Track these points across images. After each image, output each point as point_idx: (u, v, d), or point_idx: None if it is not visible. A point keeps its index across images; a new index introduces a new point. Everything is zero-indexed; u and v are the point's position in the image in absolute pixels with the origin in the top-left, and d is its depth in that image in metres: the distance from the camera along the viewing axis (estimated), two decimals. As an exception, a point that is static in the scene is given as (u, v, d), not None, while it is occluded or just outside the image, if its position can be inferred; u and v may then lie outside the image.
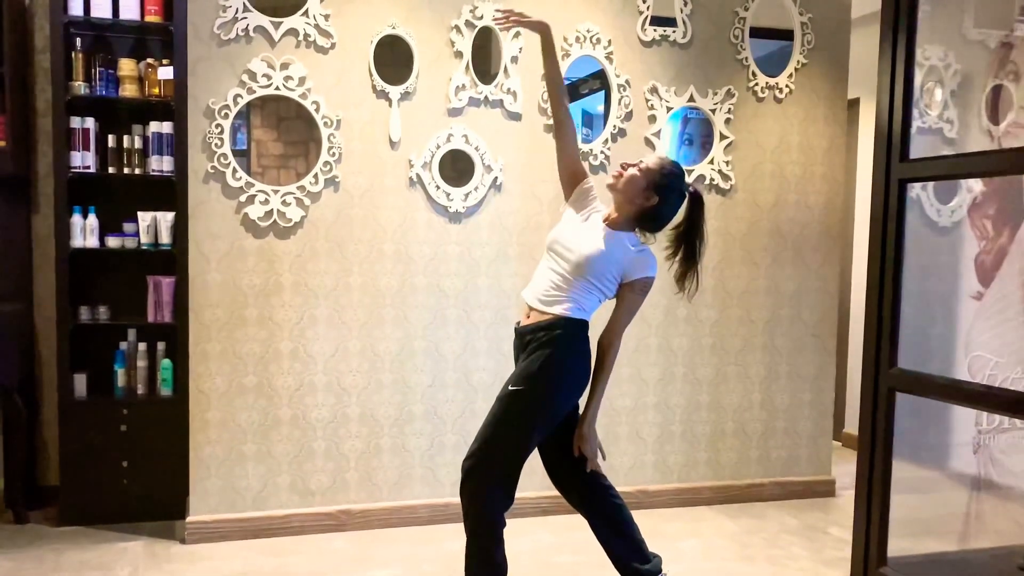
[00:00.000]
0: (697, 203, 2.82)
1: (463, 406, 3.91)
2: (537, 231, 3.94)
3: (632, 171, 2.74)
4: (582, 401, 2.84)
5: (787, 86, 4.28)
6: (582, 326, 2.75)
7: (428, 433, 3.88)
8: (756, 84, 4.23)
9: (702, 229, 2.82)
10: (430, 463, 3.89)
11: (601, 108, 5.15)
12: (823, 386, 4.46)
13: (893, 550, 3.20)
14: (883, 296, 3.21)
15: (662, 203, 2.75)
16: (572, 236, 2.78)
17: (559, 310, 2.73)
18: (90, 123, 3.72)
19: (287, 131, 5.51)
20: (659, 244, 2.85)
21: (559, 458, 2.86)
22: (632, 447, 4.18)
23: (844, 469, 4.71)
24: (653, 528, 3.86)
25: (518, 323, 2.86)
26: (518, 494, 2.78)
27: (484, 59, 4.14)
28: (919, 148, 3.18)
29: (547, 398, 2.70)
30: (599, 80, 4.90)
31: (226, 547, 3.56)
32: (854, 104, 5.26)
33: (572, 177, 2.91)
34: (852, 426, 5.43)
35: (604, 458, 2.87)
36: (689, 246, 2.80)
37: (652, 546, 2.96)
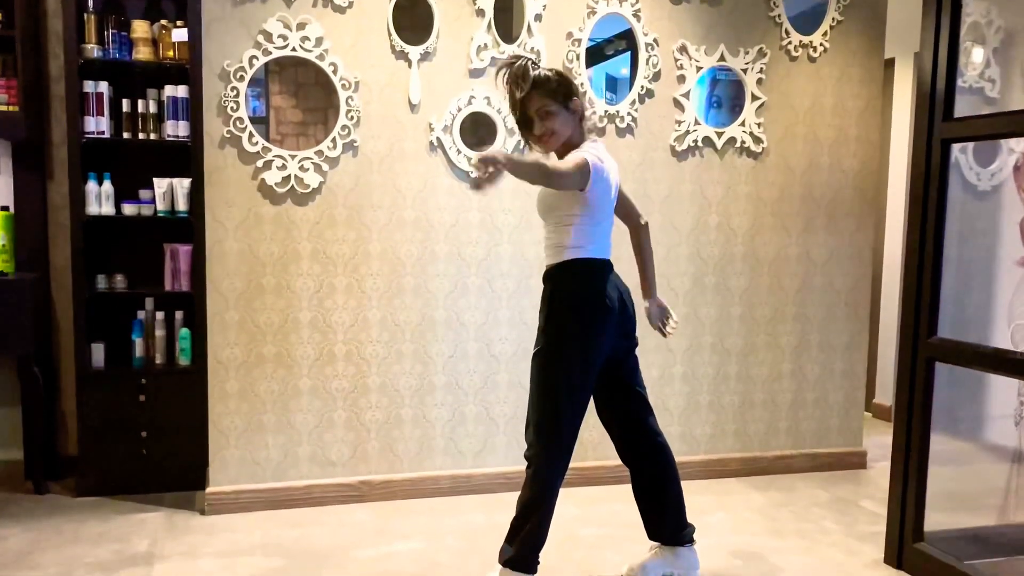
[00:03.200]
0: None
1: (485, 377, 3.82)
2: (561, 197, 3.83)
3: (543, 137, 2.70)
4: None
5: (821, 45, 4.11)
6: (567, 266, 2.71)
7: (449, 404, 3.80)
8: (789, 43, 4.07)
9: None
10: (451, 434, 3.82)
11: (626, 72, 5.01)
12: (855, 356, 4.33)
13: (929, 524, 3.10)
14: (923, 262, 3.08)
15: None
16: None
17: (547, 263, 2.77)
18: (104, 87, 3.64)
19: (306, 98, 5.40)
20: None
21: (608, 401, 2.91)
22: (658, 418, 4.07)
23: (875, 440, 4.60)
24: (680, 501, 3.79)
25: None
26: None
27: (507, 18, 4.01)
28: (958, 109, 3.04)
29: (563, 347, 2.68)
30: (625, 40, 4.75)
31: (246, 518, 3.52)
32: (889, 65, 5.08)
33: None
34: (883, 396, 5.32)
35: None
36: None
37: (680, 520, 2.89)
